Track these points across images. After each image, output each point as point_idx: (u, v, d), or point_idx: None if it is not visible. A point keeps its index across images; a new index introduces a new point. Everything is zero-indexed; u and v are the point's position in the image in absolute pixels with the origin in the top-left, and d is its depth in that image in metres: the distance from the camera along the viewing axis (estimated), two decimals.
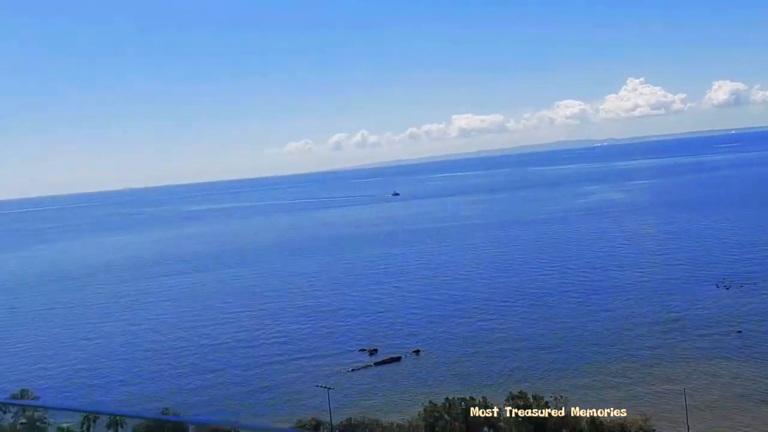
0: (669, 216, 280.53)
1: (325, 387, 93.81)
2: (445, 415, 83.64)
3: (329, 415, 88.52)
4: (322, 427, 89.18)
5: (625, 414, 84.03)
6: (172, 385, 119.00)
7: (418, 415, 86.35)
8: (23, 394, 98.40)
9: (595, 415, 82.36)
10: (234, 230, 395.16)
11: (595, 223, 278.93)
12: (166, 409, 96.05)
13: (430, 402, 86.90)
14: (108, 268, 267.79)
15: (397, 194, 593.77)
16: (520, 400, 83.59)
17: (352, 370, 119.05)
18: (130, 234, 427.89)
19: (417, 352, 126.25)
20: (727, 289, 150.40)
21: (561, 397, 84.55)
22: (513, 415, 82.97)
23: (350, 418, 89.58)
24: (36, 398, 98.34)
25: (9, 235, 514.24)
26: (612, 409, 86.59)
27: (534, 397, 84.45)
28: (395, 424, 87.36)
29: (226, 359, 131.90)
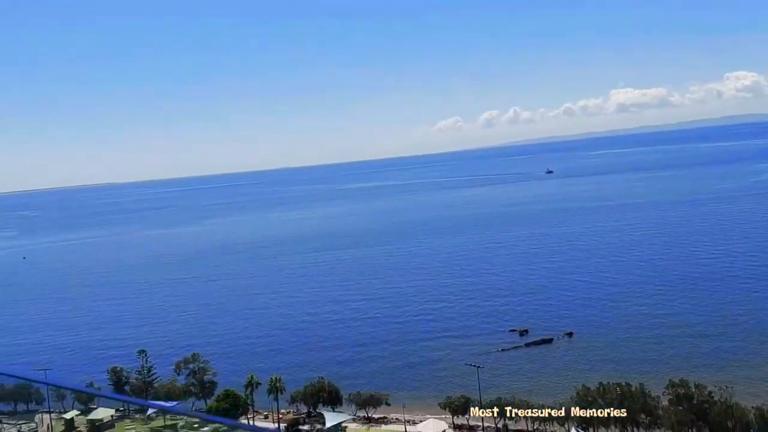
0: None
1: (475, 366, 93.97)
2: (599, 400, 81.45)
3: (478, 394, 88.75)
4: (471, 405, 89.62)
5: None
6: (326, 355, 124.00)
7: (571, 398, 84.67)
8: (194, 357, 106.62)
9: (764, 406, 77.01)
10: (386, 208, 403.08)
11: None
12: (321, 377, 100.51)
13: (583, 386, 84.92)
14: (270, 243, 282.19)
15: (550, 172, 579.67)
16: (680, 388, 79.76)
17: (502, 350, 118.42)
18: (288, 211, 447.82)
19: (569, 334, 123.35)
20: None
21: (726, 387, 79.73)
22: (673, 402, 79.40)
23: (500, 398, 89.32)
24: (205, 362, 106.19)
25: (184, 211, 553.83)
26: None
27: (696, 385, 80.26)
28: (546, 406, 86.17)
29: (377, 333, 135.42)
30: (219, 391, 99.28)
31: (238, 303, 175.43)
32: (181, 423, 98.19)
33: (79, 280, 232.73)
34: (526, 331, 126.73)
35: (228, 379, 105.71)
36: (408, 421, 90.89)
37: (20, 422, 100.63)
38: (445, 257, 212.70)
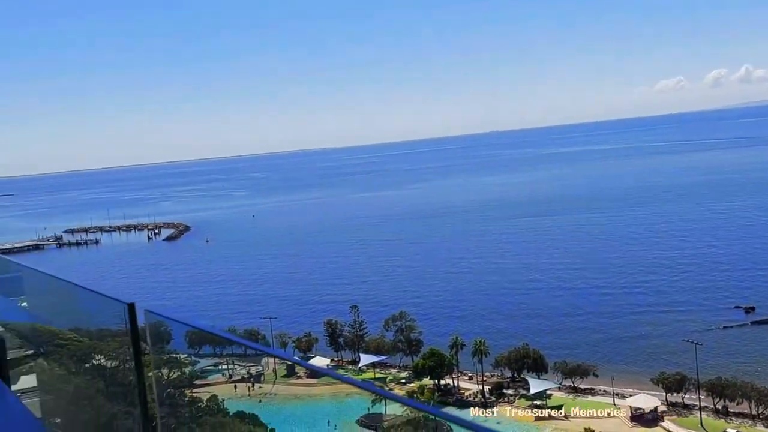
0: None
1: (692, 342, 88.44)
2: None
3: (695, 371, 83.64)
4: (686, 383, 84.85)
5: None
6: (530, 323, 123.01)
7: None
8: (401, 315, 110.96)
9: None
10: (597, 174, 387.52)
11: None
12: (526, 344, 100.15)
13: None
14: (474, 207, 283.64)
15: None
16: None
17: (724, 327, 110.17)
18: (492, 175, 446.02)
19: None
20: None
21: None
22: None
23: (720, 377, 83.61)
24: (412, 320, 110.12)
25: (393, 175, 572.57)
26: None
27: None
28: None
29: (584, 304, 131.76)
30: (425, 349, 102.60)
31: (441, 266, 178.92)
32: (389, 377, 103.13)
33: (299, 238, 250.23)
34: (753, 308, 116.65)
35: (433, 339, 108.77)
36: (617, 395, 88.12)
37: (249, 364, 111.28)
38: (660, 227, 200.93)
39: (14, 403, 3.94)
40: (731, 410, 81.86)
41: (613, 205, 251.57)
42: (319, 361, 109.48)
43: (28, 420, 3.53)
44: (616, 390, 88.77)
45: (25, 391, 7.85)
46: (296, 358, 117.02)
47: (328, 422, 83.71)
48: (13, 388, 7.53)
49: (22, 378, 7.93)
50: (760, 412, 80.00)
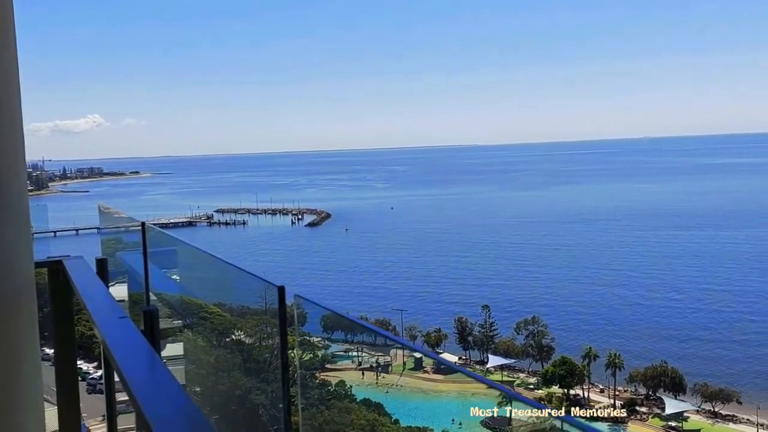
0: None
1: None
2: None
3: None
4: None
5: None
6: (668, 343, 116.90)
7: None
8: (534, 320, 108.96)
9: None
10: (761, 187, 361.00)
11: None
12: (664, 361, 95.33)
13: None
14: (621, 215, 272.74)
15: None
16: None
17: None
18: (649, 182, 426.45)
19: None
20: None
21: None
22: None
23: None
24: (544, 326, 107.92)
25: (539, 175, 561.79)
26: None
27: None
28: None
29: (729, 330, 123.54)
30: (556, 356, 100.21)
31: (580, 274, 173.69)
32: (517, 381, 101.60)
33: (435, 234, 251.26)
34: None
35: (564, 347, 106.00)
36: (762, 425, 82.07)
37: (377, 354, 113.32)
38: None
39: (162, 369, 4.21)
40: None
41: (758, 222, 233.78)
42: (447, 359, 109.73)
43: (174, 386, 3.78)
44: (762, 420, 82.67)
45: (171, 359, 8.41)
46: (429, 351, 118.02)
47: (453, 420, 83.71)
48: (163, 354, 8.09)
49: (170, 346, 8.48)
50: None
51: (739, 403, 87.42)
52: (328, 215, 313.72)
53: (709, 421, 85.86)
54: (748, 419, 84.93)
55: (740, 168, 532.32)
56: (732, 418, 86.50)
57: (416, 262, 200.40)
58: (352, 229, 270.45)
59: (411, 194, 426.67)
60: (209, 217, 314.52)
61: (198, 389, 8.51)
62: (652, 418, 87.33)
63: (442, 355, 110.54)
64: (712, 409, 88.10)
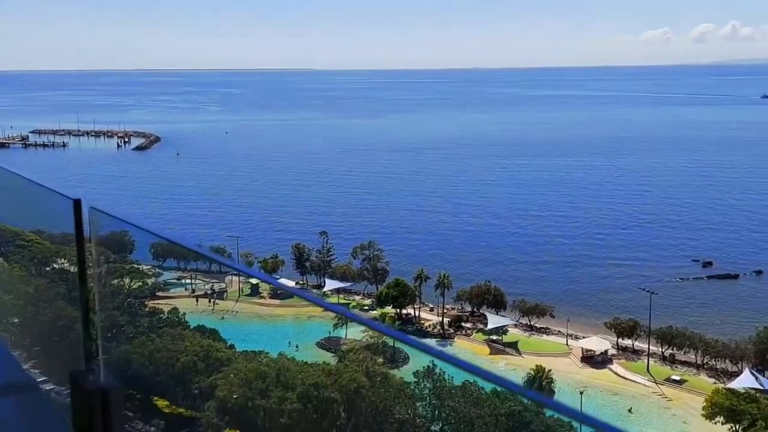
0: None
1: (648, 291, 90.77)
2: None
3: (648, 319, 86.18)
4: (638, 330, 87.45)
5: None
6: (494, 262, 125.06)
7: (749, 339, 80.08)
8: (370, 244, 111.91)
9: None
10: (574, 120, 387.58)
11: None
12: (488, 281, 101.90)
13: (765, 328, 79.71)
14: (451, 144, 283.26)
15: (766, 97, 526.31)
16: None
17: (681, 279, 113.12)
18: (474, 113, 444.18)
19: (759, 272, 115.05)
20: None
21: None
22: None
23: (671, 327, 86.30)
24: (380, 250, 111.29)
25: (375, 102, 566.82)
26: None
27: None
28: (720, 342, 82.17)
29: (547, 249, 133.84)
30: (390, 279, 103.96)
31: (412, 200, 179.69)
32: (353, 303, 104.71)
33: (272, 161, 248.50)
34: (711, 263, 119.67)
35: (398, 269, 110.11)
36: (570, 336, 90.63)
37: (213, 281, 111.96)
38: (628, 179, 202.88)
39: None
40: (678, 358, 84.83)
41: (584, 153, 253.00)
42: (284, 284, 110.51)
43: None
44: (570, 331, 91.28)
45: None
46: (264, 274, 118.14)
47: (289, 343, 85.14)
48: None
49: None
50: (704, 362, 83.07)
51: (552, 316, 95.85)
52: (158, 139, 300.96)
53: (526, 334, 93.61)
54: (559, 331, 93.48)
55: (561, 100, 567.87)
56: (545, 330, 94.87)
57: (252, 189, 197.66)
58: (183, 154, 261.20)
59: (246, 119, 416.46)
60: (24, 138, 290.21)
61: (16, 320, 7.97)
62: (476, 333, 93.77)
63: (279, 281, 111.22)
64: (529, 323, 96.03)
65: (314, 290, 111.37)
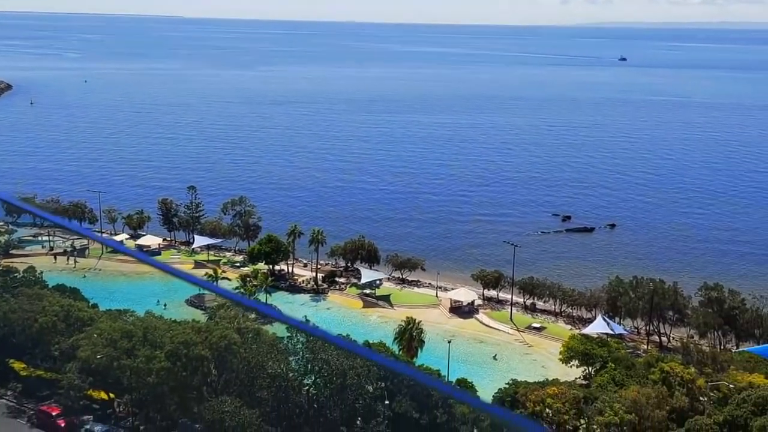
0: None
1: (512, 244, 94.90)
2: (630, 293, 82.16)
3: (512, 270, 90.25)
4: (502, 281, 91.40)
5: None
6: (367, 218, 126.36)
7: (602, 287, 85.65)
8: (241, 200, 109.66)
9: None
10: (438, 77, 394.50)
11: None
12: (362, 236, 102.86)
13: (617, 277, 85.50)
14: (322, 99, 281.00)
15: (623, 59, 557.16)
16: (714, 291, 79.84)
17: (542, 232, 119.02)
18: (347, 68, 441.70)
19: (612, 225, 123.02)
20: None
21: (760, 297, 79.54)
22: (703, 304, 79.80)
23: (532, 277, 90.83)
24: (252, 206, 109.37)
25: (246, 53, 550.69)
26: None
27: (730, 291, 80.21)
28: (576, 291, 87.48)
29: (419, 205, 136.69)
30: (262, 235, 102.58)
31: (283, 155, 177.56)
32: (224, 260, 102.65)
33: (133, 111, 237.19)
34: (569, 217, 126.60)
35: (271, 225, 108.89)
36: (440, 287, 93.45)
37: (73, 237, 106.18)
38: (493, 137, 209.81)
39: None
40: (538, 307, 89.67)
41: (452, 111, 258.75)
42: (151, 240, 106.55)
43: None
44: (440, 284, 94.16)
45: None
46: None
47: (158, 301, 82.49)
48: None
49: None
50: (562, 310, 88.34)
51: (423, 269, 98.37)
52: (9, 86, 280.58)
53: (398, 287, 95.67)
54: (429, 283, 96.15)
55: (437, 57, 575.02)
56: (417, 283, 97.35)
57: (113, 142, 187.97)
58: (38, 103, 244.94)
59: (107, 67, 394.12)
60: None
61: None
62: (350, 287, 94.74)
63: (145, 237, 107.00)
64: (401, 277, 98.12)
65: (183, 247, 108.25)
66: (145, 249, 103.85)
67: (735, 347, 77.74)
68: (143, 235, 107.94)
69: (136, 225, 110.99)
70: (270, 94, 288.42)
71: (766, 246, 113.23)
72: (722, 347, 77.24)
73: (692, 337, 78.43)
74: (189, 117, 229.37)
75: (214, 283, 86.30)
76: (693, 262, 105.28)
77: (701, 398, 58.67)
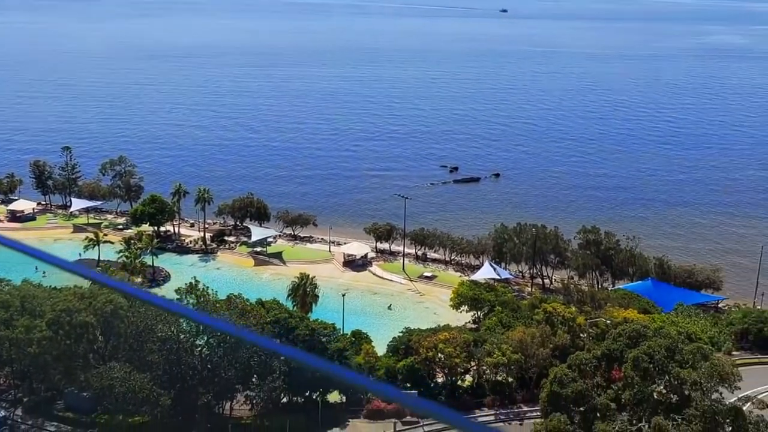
0: None
1: (403, 197, 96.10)
2: (515, 239, 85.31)
3: (403, 222, 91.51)
4: (394, 233, 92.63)
5: (694, 263, 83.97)
6: (255, 174, 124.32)
7: (489, 235, 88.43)
8: (121, 160, 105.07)
9: (664, 258, 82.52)
10: (319, 29, 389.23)
11: (707, 66, 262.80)
12: (251, 193, 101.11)
13: (502, 225, 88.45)
14: (198, 52, 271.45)
15: (504, 11, 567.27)
16: (591, 234, 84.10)
17: (431, 184, 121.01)
18: (227, 19, 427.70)
19: (497, 175, 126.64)
20: None
21: (633, 237, 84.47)
22: (582, 246, 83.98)
23: (423, 228, 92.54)
24: (133, 166, 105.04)
25: (126, 5, 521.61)
26: (683, 256, 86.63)
27: (606, 233, 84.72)
28: (465, 240, 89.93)
29: (307, 162, 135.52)
30: (145, 196, 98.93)
31: (161, 113, 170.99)
32: (105, 222, 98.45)
33: None
34: (456, 168, 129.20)
35: (154, 185, 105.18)
36: (333, 242, 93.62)
37: None
38: (377, 90, 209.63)
39: None
40: (429, 257, 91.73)
41: (335, 64, 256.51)
42: (24, 205, 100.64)
43: None
44: (333, 238, 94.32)
45: None
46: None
47: (36, 268, 78.25)
48: None
49: None
50: (452, 258, 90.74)
51: (315, 225, 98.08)
52: None
53: (290, 244, 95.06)
54: (322, 238, 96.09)
55: (315, 8, 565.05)
56: (309, 239, 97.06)
57: None
58: None
59: None
60: None
61: None
62: (240, 245, 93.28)
63: (17, 202, 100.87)
64: (293, 233, 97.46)
65: (60, 211, 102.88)
66: (18, 214, 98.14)
67: (611, 285, 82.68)
68: (15, 200, 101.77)
69: (7, 189, 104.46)
70: (147, 48, 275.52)
71: (639, 190, 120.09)
72: (600, 286, 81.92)
73: (572, 278, 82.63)
74: (58, 74, 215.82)
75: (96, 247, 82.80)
76: (572, 207, 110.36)
77: (581, 335, 62.16)
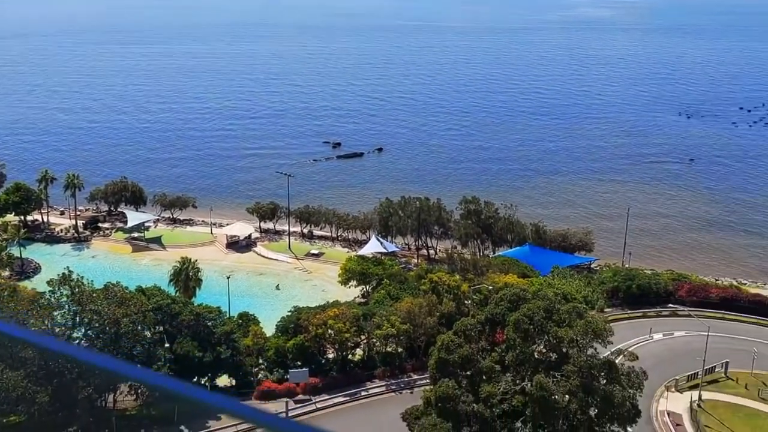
0: (654, 40, 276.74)
1: (286, 174, 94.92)
2: (400, 212, 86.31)
3: (287, 200, 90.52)
4: (279, 212, 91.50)
5: (568, 227, 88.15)
6: (129, 157, 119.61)
7: (374, 209, 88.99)
8: None
9: (540, 224, 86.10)
10: (189, 3, 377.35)
11: (572, 39, 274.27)
12: (124, 177, 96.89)
13: (387, 198, 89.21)
14: (62, 31, 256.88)
15: None
16: (472, 204, 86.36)
17: (314, 160, 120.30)
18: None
19: (380, 149, 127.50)
20: (689, 118, 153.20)
21: (511, 205, 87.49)
22: (464, 216, 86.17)
23: (308, 206, 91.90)
24: None
25: None
26: (557, 222, 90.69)
27: (485, 203, 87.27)
28: (351, 215, 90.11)
29: (184, 143, 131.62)
30: (8, 184, 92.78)
31: (18, 95, 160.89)
32: None
33: None
34: (339, 144, 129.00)
35: (18, 173, 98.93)
36: (215, 224, 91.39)
37: None
38: (252, 66, 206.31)
39: None
40: (316, 234, 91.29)
41: (206, 39, 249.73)
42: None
43: None
44: (214, 220, 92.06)
45: None
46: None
47: None
48: None
49: None
50: (338, 234, 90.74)
51: (195, 207, 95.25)
52: None
53: (169, 228, 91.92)
54: (203, 221, 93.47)
55: None
56: (189, 222, 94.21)
57: None
58: None
59: None
60: None
61: None
62: (116, 232, 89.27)
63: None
64: (172, 216, 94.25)
65: None
66: None
67: (492, 252, 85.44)
68: None
69: None
70: (2, 24, 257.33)
71: (513, 160, 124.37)
72: (481, 254, 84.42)
73: (456, 248, 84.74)
74: None
75: None
76: (452, 179, 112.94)
77: (466, 302, 63.92)
